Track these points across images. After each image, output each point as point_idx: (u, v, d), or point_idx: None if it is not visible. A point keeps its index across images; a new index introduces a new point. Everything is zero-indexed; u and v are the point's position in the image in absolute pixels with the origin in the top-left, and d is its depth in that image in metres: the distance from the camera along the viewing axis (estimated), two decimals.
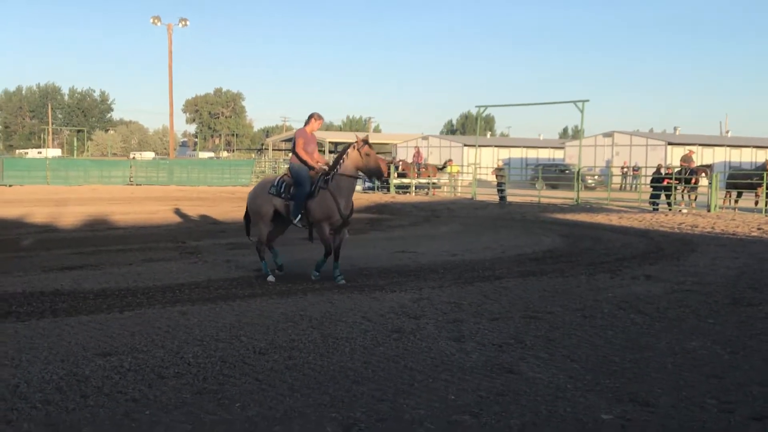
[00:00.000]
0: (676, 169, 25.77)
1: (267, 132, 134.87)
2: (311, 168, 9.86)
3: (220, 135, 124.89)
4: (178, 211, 22.00)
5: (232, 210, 22.86)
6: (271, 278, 9.76)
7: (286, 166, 11.38)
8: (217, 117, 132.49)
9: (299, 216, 9.79)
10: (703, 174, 24.78)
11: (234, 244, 13.53)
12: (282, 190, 10.00)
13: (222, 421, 4.57)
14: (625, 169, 43.60)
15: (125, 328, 6.92)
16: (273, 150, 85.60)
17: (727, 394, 5.17)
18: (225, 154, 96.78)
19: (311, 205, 9.71)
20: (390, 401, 4.93)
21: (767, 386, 5.35)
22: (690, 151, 27.44)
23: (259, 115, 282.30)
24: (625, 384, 5.38)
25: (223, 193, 32.23)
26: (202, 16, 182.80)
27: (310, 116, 10.10)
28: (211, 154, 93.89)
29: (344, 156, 9.74)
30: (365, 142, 9.80)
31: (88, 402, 4.88)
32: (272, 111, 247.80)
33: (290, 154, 10.21)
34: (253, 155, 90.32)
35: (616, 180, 41.67)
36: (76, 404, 4.83)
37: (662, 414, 4.76)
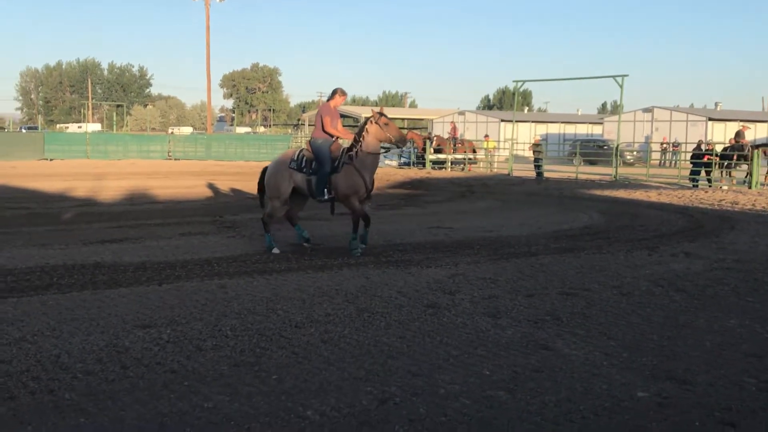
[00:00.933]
0: (726, 146, 25.32)
1: (303, 107, 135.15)
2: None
3: (257, 110, 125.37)
4: (215, 186, 22.18)
5: None
6: (276, 250, 9.86)
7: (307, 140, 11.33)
8: (254, 92, 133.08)
9: (324, 191, 9.80)
10: (764, 152, 24.16)
11: None
12: (303, 165, 9.98)
13: (259, 393, 4.63)
14: (665, 145, 42.92)
15: (164, 300, 7.02)
16: (309, 125, 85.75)
17: (765, 373, 5.11)
18: (262, 129, 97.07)
19: (337, 181, 9.76)
20: (425, 376, 4.95)
21: None
22: (744, 126, 26.92)
23: (296, 90, 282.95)
24: (663, 362, 5.33)
25: (260, 168, 32.41)
26: None
27: (334, 91, 10.15)
28: (248, 129, 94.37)
29: (365, 131, 9.80)
30: (381, 113, 9.92)
31: (128, 373, 4.97)
32: (308, 86, 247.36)
33: (314, 129, 10.23)
34: (290, 130, 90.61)
35: (656, 156, 41.06)
36: (116, 375, 4.93)
37: (700, 392, 4.72)
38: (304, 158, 10.02)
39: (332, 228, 12.09)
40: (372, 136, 9.80)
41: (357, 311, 6.67)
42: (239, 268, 8.68)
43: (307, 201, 10.64)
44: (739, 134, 24.96)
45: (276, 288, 7.61)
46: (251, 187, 22.00)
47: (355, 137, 9.97)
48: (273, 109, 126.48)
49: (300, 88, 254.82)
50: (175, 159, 38.37)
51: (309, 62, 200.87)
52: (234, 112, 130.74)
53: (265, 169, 10.61)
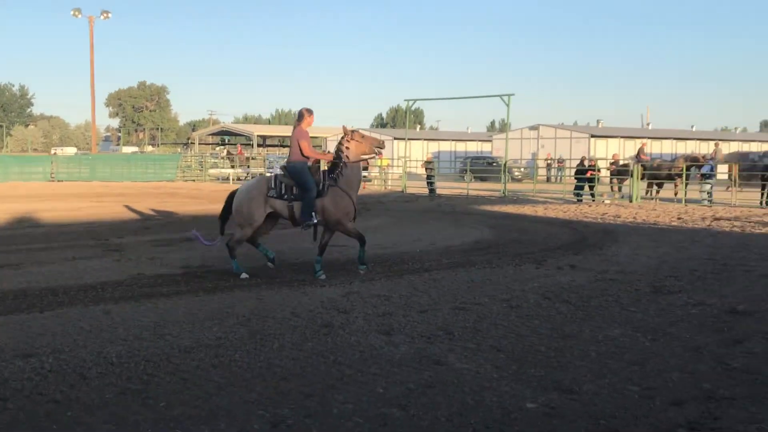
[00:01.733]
0: (621, 162, 26.51)
1: (193, 126, 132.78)
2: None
3: (145, 129, 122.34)
4: (101, 208, 21.45)
5: (157, 206, 22.43)
6: (244, 275, 9.43)
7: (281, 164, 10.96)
8: (141, 111, 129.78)
9: (312, 215, 9.50)
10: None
11: (158, 241, 13.26)
12: (283, 191, 9.59)
13: (146, 421, 4.47)
14: (549, 161, 44.41)
15: (46, 328, 6.70)
16: (199, 144, 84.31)
17: (647, 380, 5.31)
18: (150, 148, 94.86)
19: (326, 205, 9.51)
20: (318, 397, 4.90)
21: (686, 372, 5.51)
22: (643, 143, 28.20)
23: (185, 108, 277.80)
24: (550, 372, 5.47)
25: (148, 189, 31.59)
26: (124, 9, 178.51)
27: (301, 113, 9.77)
28: (136, 149, 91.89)
29: (344, 149, 9.60)
30: (353, 131, 9.82)
31: (8, 405, 4.72)
32: (199, 104, 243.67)
33: (288, 154, 9.91)
34: (179, 149, 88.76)
35: (542, 172, 42.41)
36: None
37: (585, 401, 4.86)
38: (283, 184, 9.62)
39: (223, 250, 11.85)
40: (353, 152, 9.62)
41: (249, 334, 6.55)
42: (125, 293, 8.39)
43: (275, 224, 10.34)
44: (641, 151, 26.18)
45: (164, 312, 7.39)
46: (139, 208, 21.44)
47: (335, 158, 9.72)
48: (161, 128, 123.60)
49: (189, 106, 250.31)
50: (59, 180, 36.93)
51: (198, 80, 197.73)
52: (120, 132, 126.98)
53: (231, 196, 10.05)
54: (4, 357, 5.77)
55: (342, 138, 9.79)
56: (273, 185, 9.64)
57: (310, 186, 9.48)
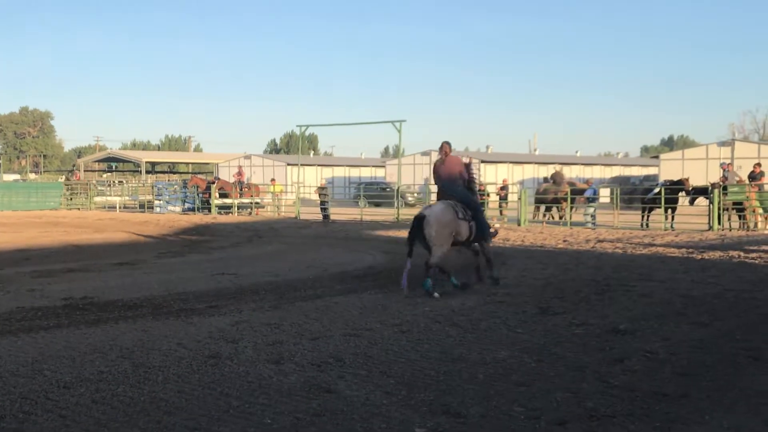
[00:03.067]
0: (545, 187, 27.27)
1: (79, 152, 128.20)
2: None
3: (27, 156, 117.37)
4: None
5: (39, 236, 21.53)
6: (436, 295, 9.99)
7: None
8: (23, 137, 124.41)
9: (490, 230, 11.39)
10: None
11: (39, 272, 12.68)
12: (463, 213, 10.59)
13: None
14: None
15: None
16: (85, 171, 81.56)
17: (533, 401, 5.42)
18: (32, 176, 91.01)
19: (481, 221, 10.99)
20: (204, 430, 4.77)
21: (570, 392, 5.65)
22: (556, 169, 29.06)
23: (71, 134, 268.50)
24: (439, 396, 5.51)
25: (30, 218, 30.26)
26: (5, 31, 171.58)
27: (443, 145, 11.26)
28: (17, 177, 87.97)
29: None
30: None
31: None
32: (84, 131, 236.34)
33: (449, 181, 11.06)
34: (63, 177, 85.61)
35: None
36: None
37: (473, 424, 4.91)
38: (459, 206, 10.59)
39: (105, 280, 11.48)
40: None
41: (132, 367, 6.33)
42: (2, 327, 7.95)
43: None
44: (555, 177, 26.92)
45: (43, 347, 7.05)
46: (19, 238, 20.52)
47: (473, 183, 11.22)
48: (45, 155, 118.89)
49: (75, 132, 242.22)
50: None
51: (84, 105, 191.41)
52: (1, 159, 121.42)
53: (419, 220, 10.49)
54: None
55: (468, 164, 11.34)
56: (457, 210, 10.51)
57: (478, 206, 11.14)
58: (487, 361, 6.58)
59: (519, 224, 24.33)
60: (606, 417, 5.05)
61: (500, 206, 27.06)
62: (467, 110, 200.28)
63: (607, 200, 26.62)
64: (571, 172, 56.15)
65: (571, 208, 25.01)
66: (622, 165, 69.14)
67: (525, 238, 19.61)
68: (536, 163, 57.02)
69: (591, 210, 24.60)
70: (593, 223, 23.99)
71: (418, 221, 10.50)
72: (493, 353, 6.88)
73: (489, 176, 46.71)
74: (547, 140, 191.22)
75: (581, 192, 25.67)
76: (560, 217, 25.48)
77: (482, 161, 50.67)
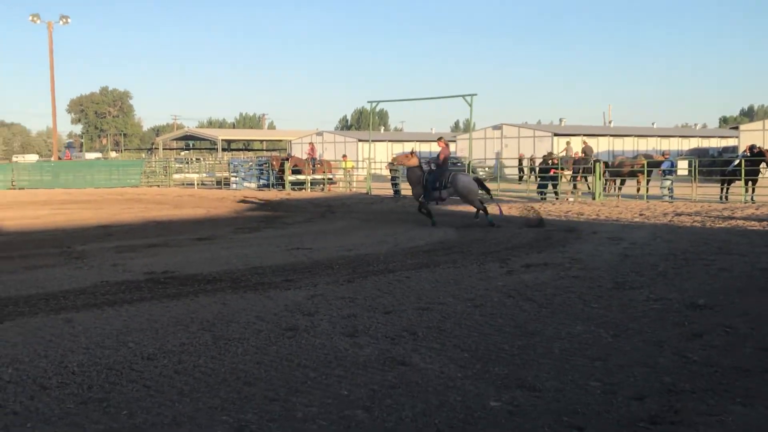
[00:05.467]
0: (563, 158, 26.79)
1: (157, 131, 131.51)
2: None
3: (108, 135, 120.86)
4: (63, 215, 21.17)
5: (120, 212, 22.21)
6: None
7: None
8: (104, 117, 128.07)
9: None
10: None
11: (122, 247, 13.11)
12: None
13: (108, 430, 4.43)
14: (525, 160, 44.52)
15: (5, 339, 6.58)
16: (164, 149, 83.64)
17: (610, 376, 5.38)
18: (113, 154, 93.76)
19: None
20: (282, 401, 4.89)
21: (648, 367, 5.58)
22: (585, 141, 28.53)
23: (149, 113, 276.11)
24: (514, 370, 5.52)
25: (111, 195, 31.23)
26: (84, 13, 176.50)
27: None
28: (99, 155, 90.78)
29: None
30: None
31: None
32: (162, 110, 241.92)
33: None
34: (143, 155, 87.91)
35: (514, 171, 42.36)
36: None
37: (548, 398, 4.91)
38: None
39: (186, 254, 11.80)
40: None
41: (213, 339, 6.52)
42: (88, 301, 8.29)
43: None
44: (585, 150, 26.43)
45: (127, 319, 7.31)
46: (102, 215, 21.22)
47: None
48: (125, 134, 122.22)
49: (153, 111, 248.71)
50: (20, 188, 36.38)
51: (162, 85, 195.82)
52: (83, 138, 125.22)
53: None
54: None
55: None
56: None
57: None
58: (563, 336, 6.54)
59: (594, 198, 23.91)
60: (685, 392, 4.98)
61: (574, 180, 26.52)
62: (539, 83, 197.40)
63: (685, 173, 25.90)
64: (647, 145, 54.92)
65: (648, 181, 24.43)
66: (700, 136, 67.09)
67: (600, 212, 19.27)
68: (611, 135, 55.76)
69: (668, 183, 24.00)
70: (670, 197, 23.41)
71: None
72: (569, 328, 6.83)
73: (573, 149, 45.89)
74: (622, 112, 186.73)
75: (658, 164, 25.05)
76: (637, 190, 24.91)
77: (555, 134, 49.85)
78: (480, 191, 17.49)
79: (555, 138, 48.90)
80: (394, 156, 20.93)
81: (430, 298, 8.22)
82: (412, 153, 18.50)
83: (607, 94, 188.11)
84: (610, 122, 75.81)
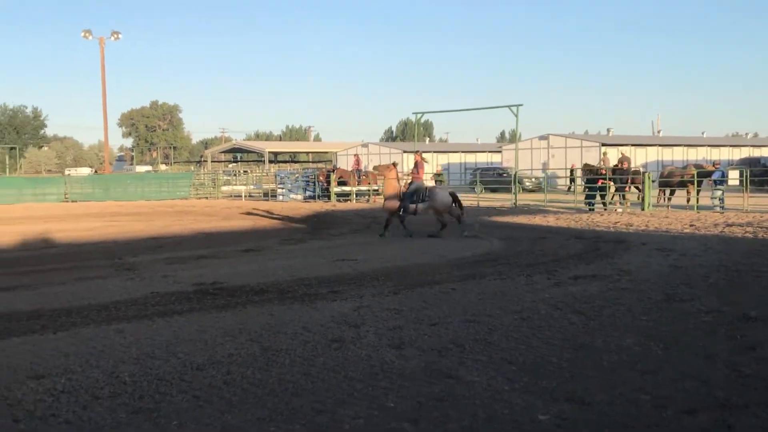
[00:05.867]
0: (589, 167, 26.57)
1: (206, 144, 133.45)
2: None
3: (158, 148, 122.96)
4: (115, 227, 21.60)
5: (171, 224, 22.56)
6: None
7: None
8: (154, 130, 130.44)
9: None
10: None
11: (171, 259, 13.33)
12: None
13: None
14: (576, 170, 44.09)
15: (59, 349, 6.74)
16: (212, 162, 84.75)
17: (660, 390, 5.29)
18: (163, 167, 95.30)
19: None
20: (329, 412, 4.91)
21: (699, 380, 5.48)
22: (622, 153, 28.18)
23: (198, 126, 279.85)
24: (562, 383, 5.46)
25: (161, 207, 31.75)
26: (134, 29, 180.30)
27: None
28: (149, 168, 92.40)
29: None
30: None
31: (20, 426, 4.74)
32: (210, 122, 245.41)
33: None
34: (192, 167, 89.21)
35: (563, 182, 42.00)
36: (8, 429, 4.69)
37: (598, 412, 4.84)
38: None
39: (233, 265, 11.94)
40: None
41: (261, 350, 6.58)
42: (138, 312, 8.43)
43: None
44: (621, 160, 26.10)
45: (177, 330, 7.42)
46: (152, 226, 21.59)
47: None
48: (174, 147, 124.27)
49: (202, 124, 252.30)
50: (73, 201, 37.19)
51: (210, 99, 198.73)
52: (134, 151, 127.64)
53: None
54: (18, 378, 5.81)
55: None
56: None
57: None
58: (612, 349, 6.45)
59: (643, 209, 23.57)
60: (738, 407, 4.87)
61: (621, 190, 26.16)
62: (586, 93, 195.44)
63: (736, 183, 25.39)
64: (697, 155, 53.95)
65: (698, 191, 24.01)
66: (752, 146, 65.59)
67: (649, 222, 18.98)
68: (660, 145, 54.91)
69: (719, 193, 23.54)
70: (721, 207, 22.95)
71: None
72: (618, 340, 6.74)
73: (611, 161, 45.37)
74: (671, 121, 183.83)
75: (708, 174, 24.60)
76: (687, 201, 24.49)
77: (602, 144, 49.25)
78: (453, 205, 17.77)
79: (603, 148, 48.33)
80: (375, 165, 21.09)
81: (476, 310, 8.18)
82: (394, 165, 18.74)
83: (655, 103, 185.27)
84: (658, 132, 74.72)
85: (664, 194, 25.81)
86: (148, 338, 7.08)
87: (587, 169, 26.57)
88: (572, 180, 37.06)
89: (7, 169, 74.15)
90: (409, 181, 18.07)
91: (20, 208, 32.86)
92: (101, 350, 6.66)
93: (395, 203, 17.57)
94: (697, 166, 25.79)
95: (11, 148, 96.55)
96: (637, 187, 25.23)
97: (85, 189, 39.59)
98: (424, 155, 19.81)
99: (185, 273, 11.38)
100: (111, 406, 5.11)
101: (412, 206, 17.36)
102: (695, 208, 23.15)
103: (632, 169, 26.07)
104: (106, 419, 4.86)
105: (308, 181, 35.52)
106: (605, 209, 24.36)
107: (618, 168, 25.52)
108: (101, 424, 4.76)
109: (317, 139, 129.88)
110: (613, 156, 31.43)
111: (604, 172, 25.65)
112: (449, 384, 5.48)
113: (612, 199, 25.32)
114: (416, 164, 18.14)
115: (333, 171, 34.92)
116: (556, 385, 5.42)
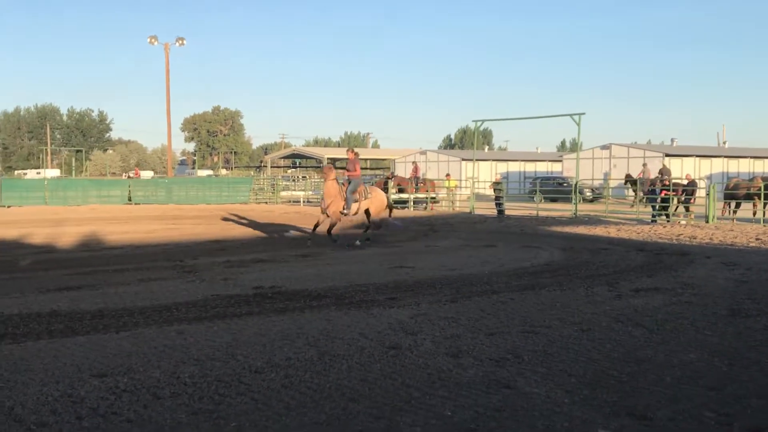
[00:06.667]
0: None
1: (266, 149, 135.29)
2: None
3: (219, 153, 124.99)
4: (175, 230, 21.99)
5: (231, 228, 22.86)
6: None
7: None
8: (215, 135, 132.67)
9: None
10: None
11: (231, 262, 13.51)
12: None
13: None
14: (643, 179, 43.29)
15: (121, 348, 6.89)
16: (272, 167, 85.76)
17: (725, 407, 5.15)
18: (224, 171, 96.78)
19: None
20: (387, 419, 4.90)
21: (765, 398, 5.33)
22: (663, 164, 27.66)
23: (258, 132, 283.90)
24: (623, 397, 5.36)
25: (222, 211, 32.21)
26: (198, 35, 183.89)
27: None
28: (210, 172, 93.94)
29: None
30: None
31: (83, 423, 4.85)
32: (271, 128, 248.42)
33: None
34: (252, 172, 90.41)
35: (630, 192, 41.20)
36: (71, 426, 4.81)
37: (659, 427, 4.74)
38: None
39: (291, 270, 12.03)
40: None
41: (318, 354, 6.61)
42: (199, 314, 8.57)
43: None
44: (662, 171, 25.58)
45: (236, 333, 7.52)
46: (213, 230, 21.91)
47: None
48: (235, 152, 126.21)
49: (262, 130, 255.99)
50: (136, 203, 38.02)
51: (271, 104, 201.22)
52: (195, 155, 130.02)
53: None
54: (81, 376, 5.95)
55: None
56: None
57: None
58: (674, 364, 6.31)
59: (707, 221, 23.01)
60: None
61: (686, 202, 25.61)
62: (649, 102, 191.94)
63: None
64: (764, 167, 52.49)
65: (765, 204, 23.33)
66: None
67: (714, 235, 18.52)
68: (725, 156, 53.58)
69: None
70: None
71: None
72: (681, 355, 6.59)
73: (674, 171, 44.47)
74: (737, 133, 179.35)
75: None
76: (753, 214, 23.83)
77: (666, 155, 48.31)
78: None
79: (666, 159, 47.40)
80: (324, 165, 21.62)
81: (535, 320, 8.09)
82: (332, 166, 19.41)
83: (720, 113, 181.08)
84: (724, 143, 72.89)
85: (729, 207, 25.16)
86: (208, 340, 7.19)
87: (628, 180, 26.18)
88: (634, 190, 36.37)
89: (73, 171, 76.15)
90: (345, 178, 18.12)
91: (85, 209, 33.73)
92: (162, 351, 6.78)
93: (340, 205, 17.48)
94: (765, 178, 25.04)
95: (77, 151, 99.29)
96: (680, 200, 24.71)
97: (147, 192, 40.41)
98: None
99: (244, 276, 11.52)
100: (171, 406, 5.20)
101: (355, 206, 17.61)
102: (762, 221, 22.52)
103: (672, 181, 25.54)
104: (166, 419, 4.94)
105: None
106: (668, 221, 23.86)
107: (685, 181, 25.02)
108: (162, 424, 4.85)
109: (375, 145, 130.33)
110: (654, 167, 30.81)
111: (668, 183, 25.12)
112: (507, 394, 5.43)
113: (676, 211, 24.78)
114: (349, 161, 18.12)
115: (391, 178, 34.97)
116: (616, 399, 5.33)
